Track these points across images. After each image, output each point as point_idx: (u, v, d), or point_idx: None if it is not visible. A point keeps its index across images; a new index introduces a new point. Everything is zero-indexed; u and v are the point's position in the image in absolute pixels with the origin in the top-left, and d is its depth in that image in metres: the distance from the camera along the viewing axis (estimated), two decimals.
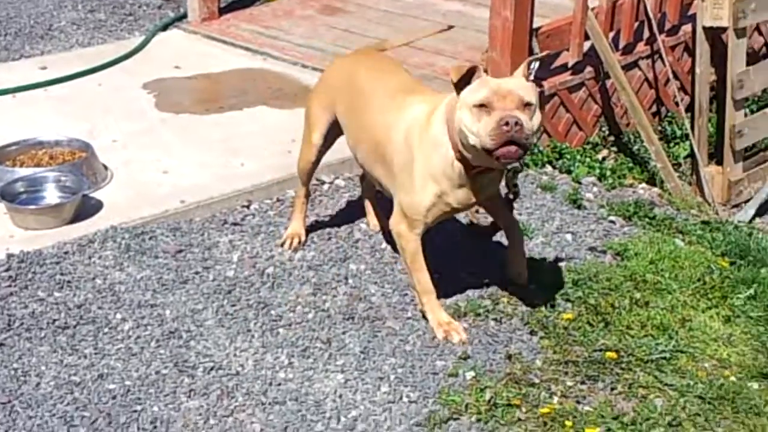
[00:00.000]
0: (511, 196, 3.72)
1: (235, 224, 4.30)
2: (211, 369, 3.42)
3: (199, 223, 4.29)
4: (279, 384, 3.38)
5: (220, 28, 6.41)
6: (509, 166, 3.40)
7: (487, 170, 3.43)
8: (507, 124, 3.19)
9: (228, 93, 5.56)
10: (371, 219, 4.33)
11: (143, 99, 5.47)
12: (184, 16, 6.58)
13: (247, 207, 4.45)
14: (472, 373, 3.44)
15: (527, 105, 3.26)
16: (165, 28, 6.49)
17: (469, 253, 4.09)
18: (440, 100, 3.55)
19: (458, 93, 3.33)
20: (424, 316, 3.69)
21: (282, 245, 4.12)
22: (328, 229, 4.28)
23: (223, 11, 6.61)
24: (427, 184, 3.46)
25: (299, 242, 4.14)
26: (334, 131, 3.99)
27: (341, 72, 3.93)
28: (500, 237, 4.02)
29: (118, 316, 3.67)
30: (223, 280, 3.90)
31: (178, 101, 5.45)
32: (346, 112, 3.84)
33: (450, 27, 5.08)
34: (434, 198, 3.48)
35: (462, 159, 3.38)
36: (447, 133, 3.40)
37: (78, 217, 4.23)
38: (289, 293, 3.85)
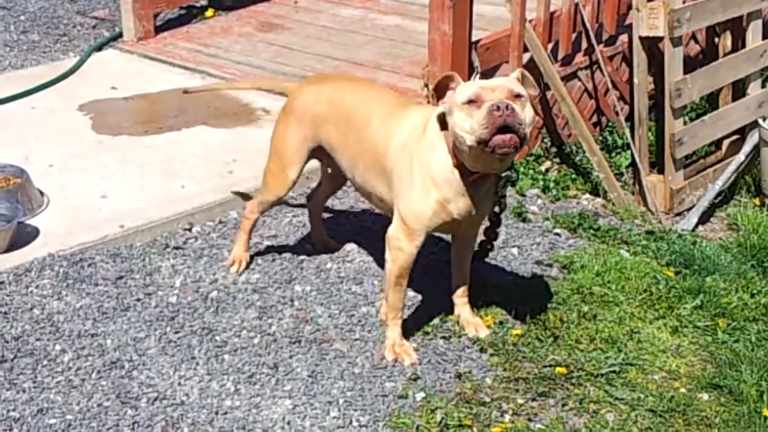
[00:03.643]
0: (497, 209, 3.68)
1: (176, 248, 4.21)
2: (155, 399, 3.34)
3: (140, 248, 4.19)
4: (225, 412, 3.30)
5: (157, 47, 6.31)
6: (502, 154, 3.24)
7: (483, 178, 3.40)
8: (498, 108, 3.17)
9: (166, 113, 5.47)
10: (318, 239, 4.27)
11: (79, 121, 5.35)
12: (120, 35, 6.46)
13: (189, 230, 4.36)
14: (422, 394, 3.40)
15: (517, 96, 3.26)
16: (100, 48, 6.37)
17: (414, 271, 4.04)
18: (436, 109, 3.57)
19: (438, 99, 3.34)
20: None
21: (229, 267, 4.05)
22: (272, 251, 4.22)
23: (159, 30, 6.51)
24: (428, 190, 3.42)
25: (246, 265, 4.07)
26: (308, 160, 3.92)
27: (321, 102, 3.81)
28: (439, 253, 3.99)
29: (58, 347, 3.56)
30: (166, 306, 3.82)
31: (116, 123, 5.34)
32: (338, 137, 3.75)
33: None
34: (436, 205, 3.43)
35: (459, 165, 3.36)
36: (444, 138, 3.38)
37: (13, 245, 4.11)
38: (233, 318, 3.78)
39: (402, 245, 3.51)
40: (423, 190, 3.43)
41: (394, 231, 3.54)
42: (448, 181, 3.40)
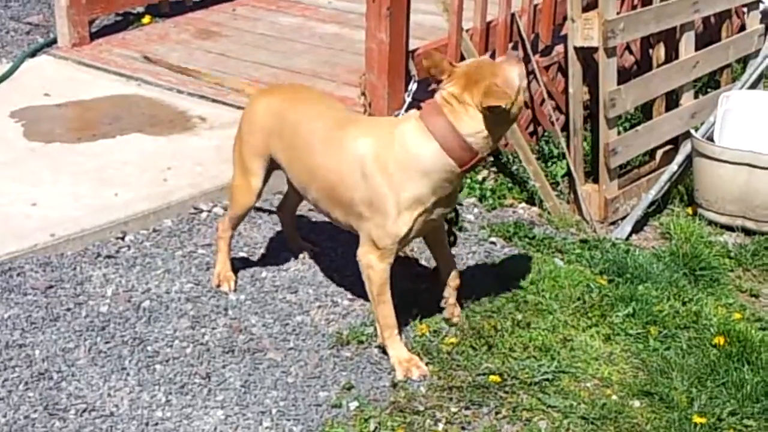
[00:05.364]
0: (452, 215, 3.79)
1: (108, 257, 4.15)
2: (84, 411, 3.28)
3: (71, 257, 4.12)
4: (156, 424, 3.26)
5: (92, 53, 6.22)
6: None
7: (472, 167, 3.43)
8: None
9: (101, 120, 5.40)
10: (293, 245, 4.24)
11: (11, 128, 5.25)
12: (54, 41, 6.37)
13: (122, 239, 4.30)
14: (356, 403, 3.39)
15: None
16: (34, 54, 6.26)
17: (349, 279, 4.04)
18: (388, 124, 3.54)
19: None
20: (384, 351, 3.61)
21: (216, 287, 3.98)
22: (207, 259, 4.18)
23: (94, 36, 6.42)
24: (404, 211, 3.39)
25: (234, 281, 4.01)
26: (269, 169, 3.87)
27: (269, 113, 3.78)
28: None
29: None
30: (97, 316, 3.76)
31: (48, 130, 5.26)
32: (286, 157, 3.72)
33: None
34: (413, 221, 3.42)
35: (456, 158, 3.35)
36: (441, 146, 3.33)
37: None
38: (166, 327, 3.73)
39: (373, 263, 3.50)
40: (397, 212, 3.39)
41: (363, 253, 3.52)
42: (441, 188, 3.40)
